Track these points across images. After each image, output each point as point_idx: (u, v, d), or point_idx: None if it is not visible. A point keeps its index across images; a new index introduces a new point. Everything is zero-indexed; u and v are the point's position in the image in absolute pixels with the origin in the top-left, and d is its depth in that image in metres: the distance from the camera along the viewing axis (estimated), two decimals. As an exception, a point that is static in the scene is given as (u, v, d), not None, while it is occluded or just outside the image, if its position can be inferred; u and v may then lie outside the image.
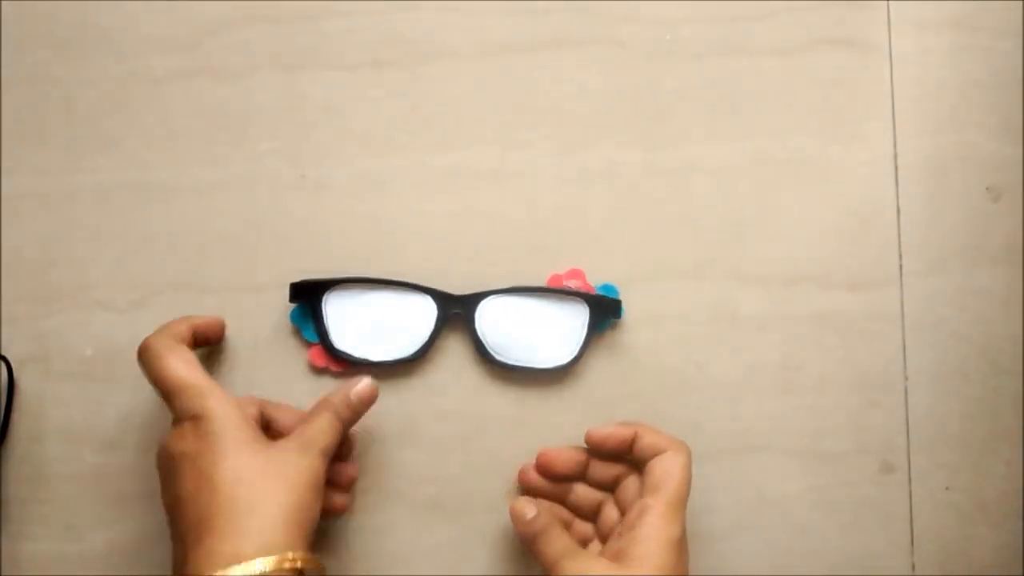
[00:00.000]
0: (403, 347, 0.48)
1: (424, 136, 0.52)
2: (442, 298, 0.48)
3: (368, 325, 0.48)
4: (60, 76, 0.52)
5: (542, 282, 0.50)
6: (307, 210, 0.51)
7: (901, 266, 0.52)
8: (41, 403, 0.50)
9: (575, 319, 0.49)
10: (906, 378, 0.52)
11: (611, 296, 0.50)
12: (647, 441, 0.45)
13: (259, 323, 0.50)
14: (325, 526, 0.50)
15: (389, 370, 0.49)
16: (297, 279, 0.49)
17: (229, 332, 0.50)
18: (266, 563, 0.37)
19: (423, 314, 0.48)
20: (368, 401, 0.45)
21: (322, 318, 0.48)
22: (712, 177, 0.52)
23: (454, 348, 0.50)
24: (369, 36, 0.52)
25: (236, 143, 0.51)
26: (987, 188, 0.52)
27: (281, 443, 0.42)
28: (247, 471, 0.40)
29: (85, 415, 0.50)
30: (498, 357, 0.48)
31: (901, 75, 0.52)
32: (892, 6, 0.53)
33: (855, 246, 0.52)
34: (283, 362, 0.50)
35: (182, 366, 0.43)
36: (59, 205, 0.51)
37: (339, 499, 0.47)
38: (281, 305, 0.50)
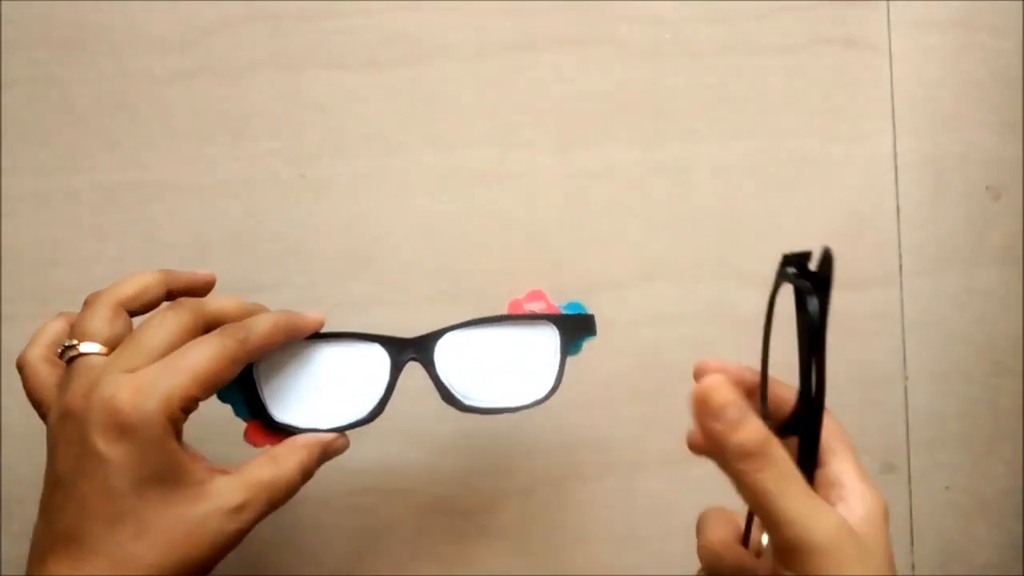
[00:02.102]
0: (356, 407, 0.41)
1: (423, 135, 0.52)
2: (393, 344, 0.41)
3: (311, 388, 0.41)
4: (60, 76, 0.52)
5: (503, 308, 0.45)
6: (307, 209, 0.51)
7: (901, 265, 0.52)
8: (41, 403, 0.50)
9: (546, 345, 0.43)
10: (906, 377, 0.52)
11: (579, 312, 0.44)
12: (778, 391, 0.36)
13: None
14: (326, 525, 0.50)
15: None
16: (295, 279, 0.49)
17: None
18: None
19: (374, 366, 0.41)
20: (336, 454, 0.40)
21: (256, 389, 0.40)
22: (712, 177, 0.52)
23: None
24: (369, 36, 0.52)
25: (236, 143, 0.51)
26: (987, 187, 0.52)
27: (215, 488, 0.34)
28: (147, 523, 0.33)
29: (85, 415, 0.50)
30: (467, 402, 0.42)
31: (901, 74, 0.52)
32: (892, 6, 0.53)
33: (855, 245, 0.52)
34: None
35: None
36: (59, 205, 0.51)
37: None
38: (283, 303, 0.50)
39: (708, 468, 0.50)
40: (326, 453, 0.39)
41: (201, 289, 0.41)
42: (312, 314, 0.39)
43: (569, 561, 0.51)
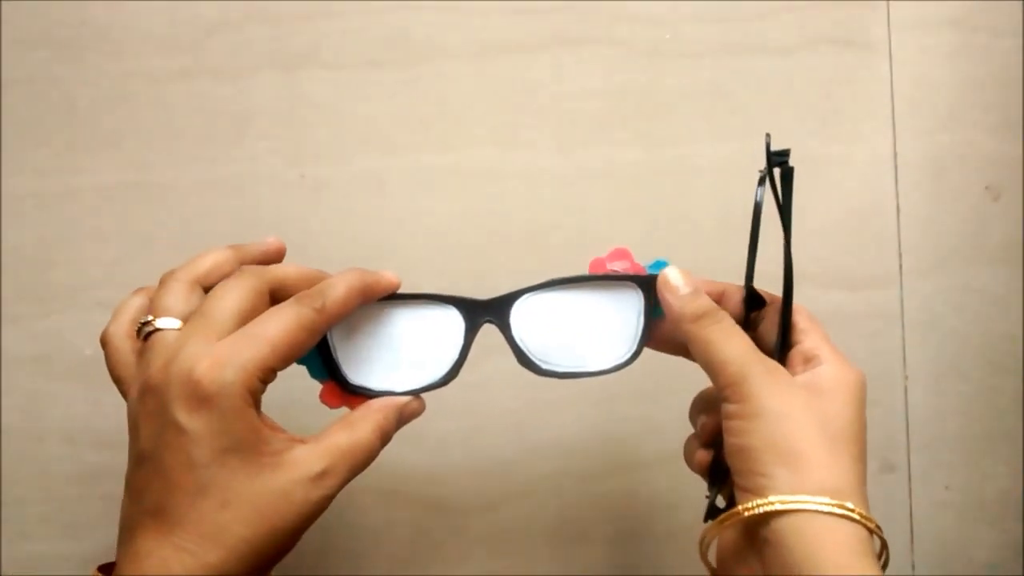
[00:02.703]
0: (430, 370, 0.40)
1: (423, 135, 0.52)
2: (468, 307, 0.40)
3: (385, 350, 0.40)
4: (60, 76, 0.51)
5: (579, 271, 0.43)
6: (306, 209, 0.51)
7: (901, 265, 0.52)
8: (41, 403, 0.50)
9: (628, 308, 0.41)
10: (906, 377, 0.52)
11: None
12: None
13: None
14: (326, 525, 0.50)
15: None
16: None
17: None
18: None
19: (448, 329, 0.40)
20: (412, 418, 0.39)
21: (330, 350, 0.39)
22: (712, 176, 0.52)
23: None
24: (368, 36, 0.52)
25: (235, 143, 0.51)
26: (986, 187, 0.52)
27: (300, 457, 0.34)
28: (236, 493, 0.33)
29: (85, 415, 0.50)
30: (545, 366, 0.41)
31: (901, 74, 0.53)
32: (892, 6, 0.53)
33: (855, 245, 0.52)
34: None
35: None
36: (59, 205, 0.51)
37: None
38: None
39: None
40: (402, 416, 0.38)
41: (272, 257, 0.40)
42: (387, 275, 0.39)
43: (569, 561, 0.51)
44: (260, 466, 0.33)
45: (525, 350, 0.40)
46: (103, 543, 0.50)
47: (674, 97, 0.52)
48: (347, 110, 0.52)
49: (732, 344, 0.36)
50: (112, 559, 0.51)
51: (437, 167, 0.52)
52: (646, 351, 0.41)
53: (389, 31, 0.52)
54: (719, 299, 0.40)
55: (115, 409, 0.50)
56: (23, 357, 0.50)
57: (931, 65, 0.53)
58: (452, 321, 0.40)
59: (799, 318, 0.39)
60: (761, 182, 0.39)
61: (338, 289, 0.37)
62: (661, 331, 0.40)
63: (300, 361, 0.39)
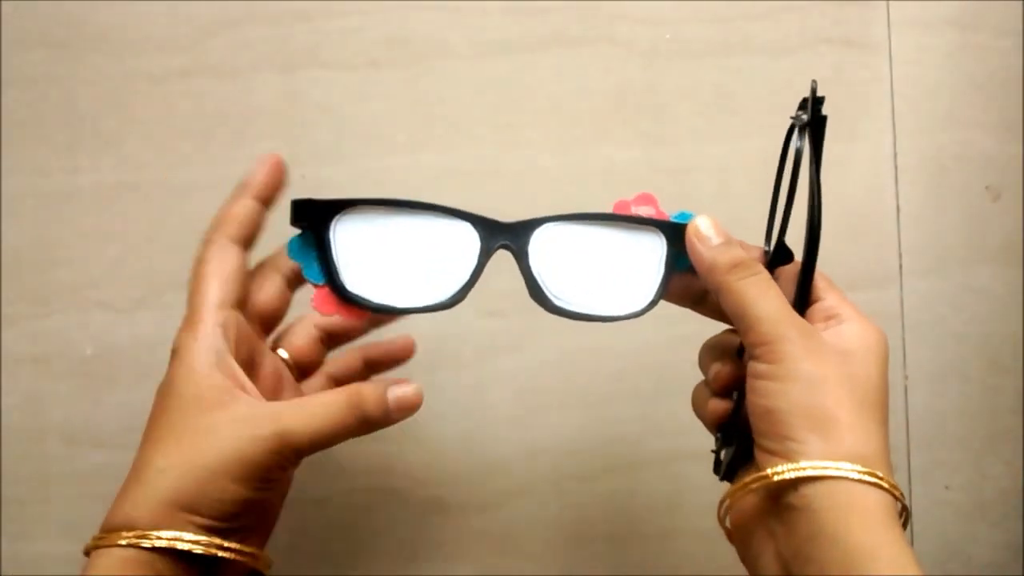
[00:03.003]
0: (435, 289, 0.37)
1: (423, 136, 0.52)
2: (486, 226, 0.37)
3: (391, 261, 0.37)
4: (60, 76, 0.51)
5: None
6: (307, 210, 0.51)
7: (901, 265, 0.52)
8: (41, 403, 0.50)
9: (650, 254, 0.38)
10: (906, 377, 0.52)
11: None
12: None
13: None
14: (326, 524, 0.50)
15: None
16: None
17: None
18: (124, 538, 0.33)
19: (461, 247, 0.37)
20: (409, 411, 0.37)
21: (330, 250, 0.36)
22: (712, 176, 0.52)
23: (457, 346, 0.50)
24: (368, 36, 0.52)
25: (236, 143, 0.51)
26: (986, 187, 0.52)
27: (241, 410, 0.35)
28: (166, 427, 0.35)
29: (85, 415, 0.50)
30: (558, 302, 0.37)
31: (901, 74, 0.53)
32: (892, 6, 0.53)
33: (855, 245, 0.52)
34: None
35: (214, 284, 0.37)
36: (59, 205, 0.51)
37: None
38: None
39: (707, 468, 0.51)
40: (395, 406, 0.37)
41: (278, 178, 0.41)
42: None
43: (569, 561, 0.51)
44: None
45: (540, 282, 0.37)
46: (103, 543, 0.50)
47: (674, 97, 0.52)
48: (347, 110, 0.52)
49: (768, 300, 0.35)
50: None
51: (437, 167, 0.52)
52: (658, 321, 0.39)
53: (389, 31, 0.52)
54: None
55: (115, 409, 0.50)
56: (23, 357, 0.50)
57: (931, 65, 0.53)
58: (467, 240, 0.37)
59: (816, 276, 0.37)
60: (801, 131, 0.37)
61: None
62: (682, 282, 0.38)
63: (296, 257, 0.37)
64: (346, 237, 0.37)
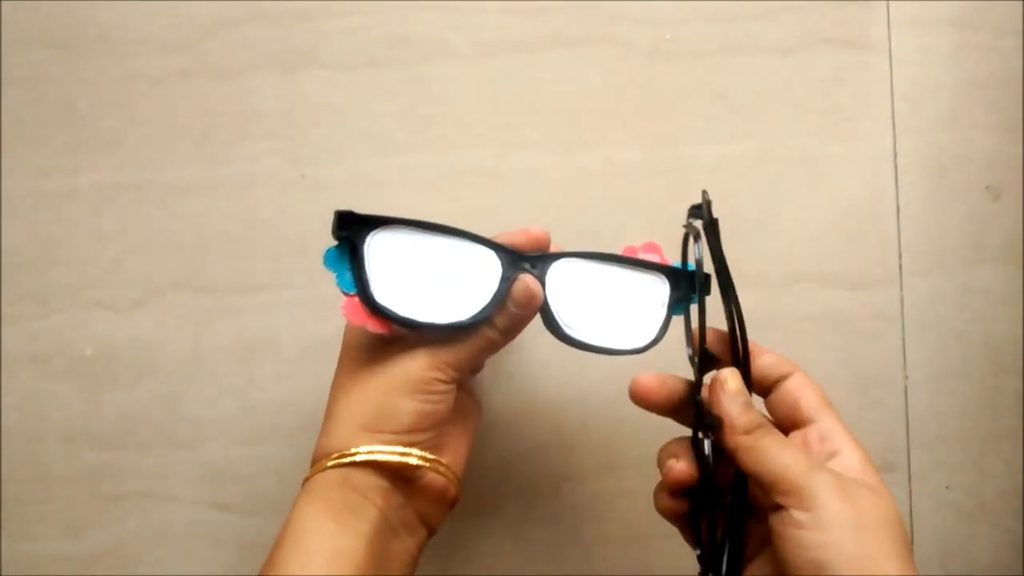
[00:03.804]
0: (457, 309, 0.40)
1: (423, 135, 0.52)
2: (509, 255, 0.40)
3: (417, 278, 0.40)
4: (60, 76, 0.52)
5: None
6: (306, 209, 0.51)
7: (901, 265, 0.52)
8: (41, 403, 0.50)
9: (655, 296, 0.42)
10: (906, 377, 0.52)
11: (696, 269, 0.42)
12: (767, 360, 0.41)
13: (258, 323, 0.50)
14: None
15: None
16: (295, 279, 0.49)
17: (237, 331, 0.50)
18: (331, 460, 0.38)
19: (484, 272, 0.40)
20: (527, 301, 0.40)
21: (363, 262, 0.39)
22: (712, 176, 0.52)
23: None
24: (368, 36, 0.52)
25: (235, 143, 0.51)
26: (987, 187, 0.52)
27: (400, 342, 0.40)
28: (343, 373, 0.41)
29: (85, 415, 0.50)
30: (569, 332, 0.41)
31: (901, 74, 0.53)
32: (892, 5, 0.53)
33: (855, 245, 0.52)
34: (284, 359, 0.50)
35: None
36: (59, 205, 0.51)
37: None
38: (283, 303, 0.50)
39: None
40: (509, 315, 0.40)
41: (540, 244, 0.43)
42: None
43: (569, 561, 0.51)
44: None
45: (554, 311, 0.40)
46: (103, 543, 0.50)
47: (674, 97, 0.52)
48: (347, 110, 0.52)
49: (790, 451, 0.37)
50: (112, 558, 0.51)
51: (437, 167, 0.52)
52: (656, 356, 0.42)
53: (389, 31, 0.52)
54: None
55: (114, 409, 0.50)
56: (23, 357, 0.50)
57: (931, 65, 0.53)
58: (489, 266, 0.40)
59: (814, 394, 0.39)
60: (696, 237, 0.40)
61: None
62: (665, 393, 0.41)
63: (331, 266, 0.40)
64: (379, 251, 0.39)
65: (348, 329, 0.41)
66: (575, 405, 0.51)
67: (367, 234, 0.39)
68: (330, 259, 0.40)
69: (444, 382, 0.39)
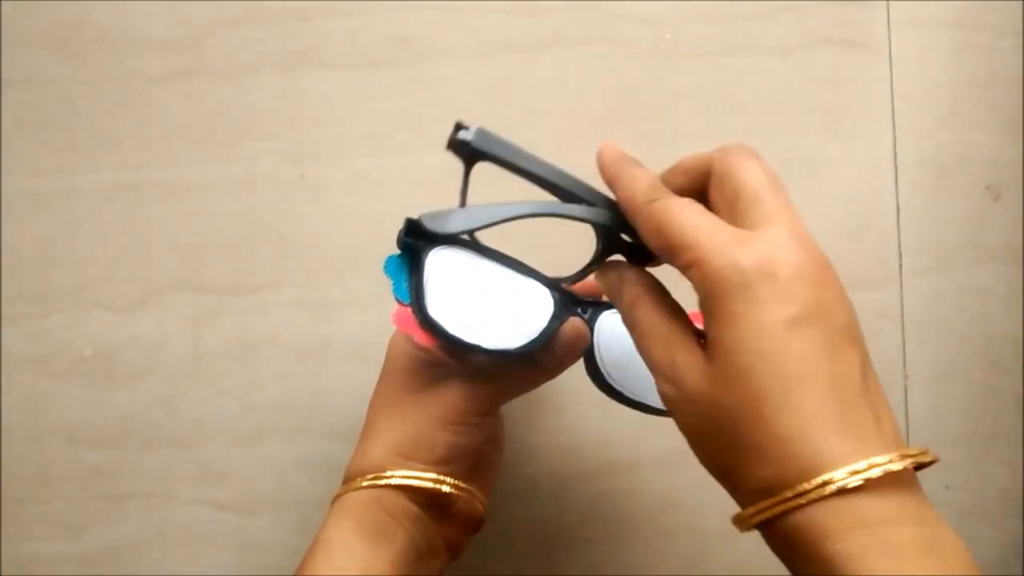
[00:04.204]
0: (506, 336, 0.39)
1: (423, 135, 0.52)
2: (564, 295, 0.40)
3: (473, 300, 0.39)
4: (59, 76, 0.52)
5: None
6: (306, 209, 0.51)
7: (901, 265, 0.52)
8: (41, 403, 0.50)
9: None
10: (906, 376, 0.52)
11: None
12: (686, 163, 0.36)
13: (258, 322, 0.50)
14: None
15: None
16: (295, 279, 0.49)
17: (237, 331, 0.50)
18: (366, 479, 0.38)
19: (536, 308, 0.40)
20: (571, 347, 0.40)
21: (422, 274, 0.38)
22: (712, 176, 0.52)
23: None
24: (368, 36, 0.52)
25: (235, 142, 0.51)
26: (987, 187, 0.52)
27: (442, 369, 0.40)
28: (383, 394, 0.41)
29: (84, 415, 0.50)
30: (613, 383, 0.41)
31: (901, 74, 0.53)
32: (892, 5, 0.53)
33: (855, 245, 0.52)
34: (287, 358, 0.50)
35: None
36: (58, 205, 0.51)
37: None
38: (283, 303, 0.50)
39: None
40: (554, 355, 0.40)
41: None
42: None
43: (569, 561, 0.51)
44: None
45: (600, 362, 0.41)
46: (103, 542, 0.50)
47: (674, 97, 0.52)
48: (347, 109, 0.52)
49: (689, 210, 0.32)
50: (112, 558, 0.51)
51: (437, 167, 0.52)
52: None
53: (389, 31, 0.52)
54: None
55: (114, 409, 0.50)
56: (23, 357, 0.50)
57: (931, 65, 0.53)
58: (542, 302, 0.40)
59: (748, 177, 0.33)
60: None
61: None
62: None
63: (390, 274, 0.39)
64: (439, 267, 0.39)
65: (392, 350, 0.42)
66: (575, 405, 0.51)
67: (431, 248, 0.38)
68: (391, 267, 0.39)
69: (479, 414, 0.40)
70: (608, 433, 0.51)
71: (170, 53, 0.52)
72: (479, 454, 0.41)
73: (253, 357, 0.50)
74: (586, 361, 0.41)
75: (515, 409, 0.50)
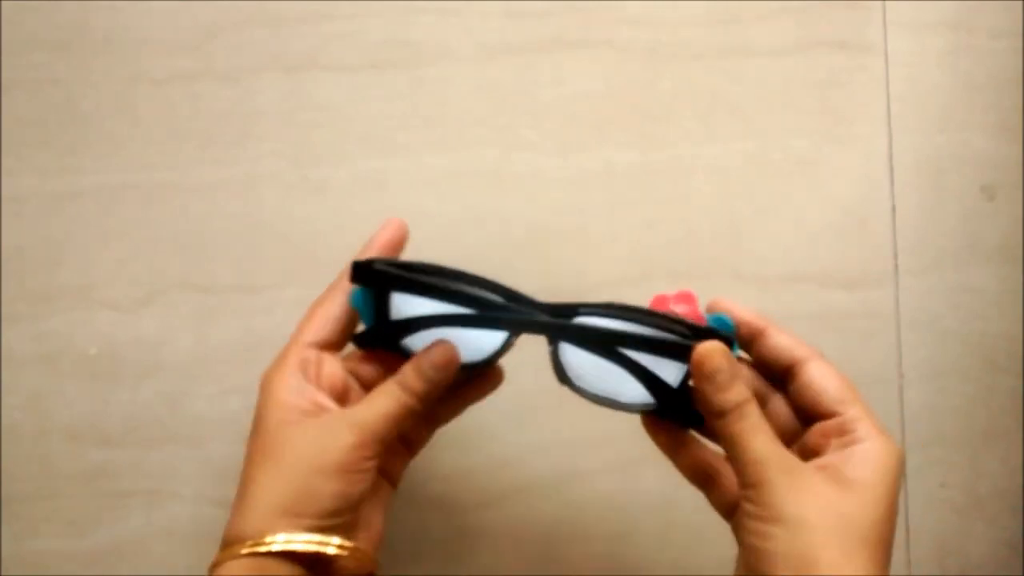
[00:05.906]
0: (473, 351, 0.41)
1: (425, 137, 0.52)
2: (528, 305, 0.41)
3: (437, 321, 0.40)
4: (62, 77, 0.52)
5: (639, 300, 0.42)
6: (309, 210, 0.51)
7: (896, 265, 0.52)
8: (45, 402, 0.50)
9: (671, 361, 0.39)
10: (901, 376, 0.52)
11: (724, 330, 0.40)
12: (781, 341, 0.39)
13: (262, 322, 0.50)
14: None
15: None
16: (298, 279, 0.50)
17: (241, 330, 0.50)
18: (244, 547, 0.36)
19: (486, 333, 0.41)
20: (443, 367, 0.40)
21: (387, 305, 0.40)
22: (710, 177, 0.52)
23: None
24: (370, 38, 0.52)
25: (238, 144, 0.52)
26: (982, 187, 0.53)
27: (320, 418, 0.39)
28: (259, 449, 0.38)
29: (89, 414, 0.50)
30: (579, 383, 0.41)
31: (897, 75, 0.53)
32: (888, 7, 0.53)
33: (851, 245, 0.52)
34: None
35: (310, 324, 0.41)
36: (62, 206, 0.51)
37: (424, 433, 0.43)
38: (286, 303, 0.50)
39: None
40: (427, 364, 0.40)
41: (399, 240, 0.45)
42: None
43: (568, 560, 0.51)
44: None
45: (564, 363, 0.41)
46: (106, 541, 0.50)
47: (672, 98, 0.53)
48: (349, 111, 0.52)
49: (761, 442, 0.36)
50: (116, 556, 0.51)
51: (438, 168, 0.52)
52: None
53: (391, 33, 0.52)
54: (760, 335, 0.40)
55: (119, 407, 0.51)
56: (26, 356, 0.50)
57: (927, 66, 0.53)
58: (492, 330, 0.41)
59: (838, 383, 0.38)
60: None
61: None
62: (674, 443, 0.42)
63: (356, 305, 0.41)
64: (402, 297, 0.40)
65: (263, 402, 0.40)
66: (575, 404, 0.51)
67: (391, 289, 0.40)
68: (356, 298, 0.41)
69: (368, 458, 0.38)
70: (607, 432, 0.52)
71: (173, 55, 0.52)
72: (367, 503, 0.39)
73: (257, 356, 0.50)
74: (553, 364, 0.40)
75: (512, 408, 0.51)
